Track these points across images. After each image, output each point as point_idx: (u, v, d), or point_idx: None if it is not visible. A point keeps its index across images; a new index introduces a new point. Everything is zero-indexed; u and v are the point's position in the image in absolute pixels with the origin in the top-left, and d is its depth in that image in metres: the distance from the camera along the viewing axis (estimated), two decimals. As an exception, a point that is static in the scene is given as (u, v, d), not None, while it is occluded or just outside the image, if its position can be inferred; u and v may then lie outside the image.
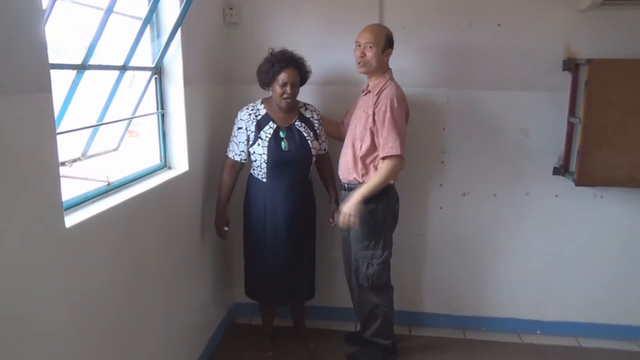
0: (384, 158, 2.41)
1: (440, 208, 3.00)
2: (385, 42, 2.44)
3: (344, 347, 2.88)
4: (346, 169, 2.55)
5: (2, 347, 1.24)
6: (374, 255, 2.54)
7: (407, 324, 3.07)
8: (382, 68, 2.49)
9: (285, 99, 2.47)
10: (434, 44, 2.79)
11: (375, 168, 2.48)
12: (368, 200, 2.44)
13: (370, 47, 2.42)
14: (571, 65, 2.70)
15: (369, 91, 2.52)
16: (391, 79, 2.50)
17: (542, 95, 2.79)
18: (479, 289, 3.08)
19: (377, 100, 2.43)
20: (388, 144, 2.38)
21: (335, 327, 3.09)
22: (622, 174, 2.63)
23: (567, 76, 2.74)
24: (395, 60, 2.55)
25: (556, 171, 2.85)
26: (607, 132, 2.59)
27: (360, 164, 2.49)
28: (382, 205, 2.51)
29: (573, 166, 2.74)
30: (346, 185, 2.59)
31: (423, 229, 2.92)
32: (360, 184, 2.48)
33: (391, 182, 2.51)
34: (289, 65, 2.45)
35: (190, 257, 2.52)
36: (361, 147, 2.48)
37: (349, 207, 2.42)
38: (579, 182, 2.67)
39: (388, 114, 2.37)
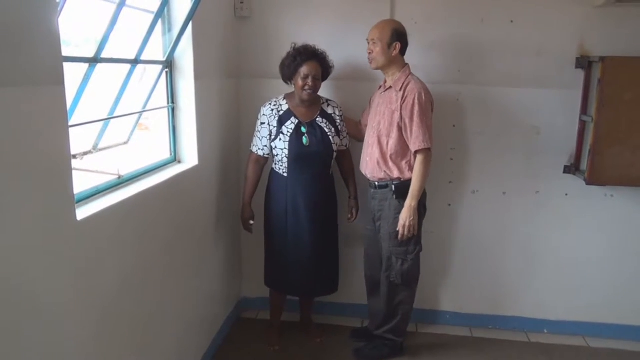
0: (416, 152, 2.44)
1: (449, 205, 2.99)
2: (392, 36, 2.43)
3: (351, 343, 2.89)
4: (374, 167, 2.54)
5: (14, 338, 1.25)
6: (407, 251, 2.55)
7: (414, 321, 3.05)
8: (395, 63, 2.49)
9: (306, 90, 2.48)
10: (445, 39, 2.78)
11: (408, 164, 2.49)
12: (402, 196, 2.48)
13: (375, 43, 2.45)
14: (584, 62, 2.67)
15: (390, 87, 2.51)
16: (411, 73, 2.51)
17: (554, 93, 2.77)
18: (486, 287, 3.07)
19: (403, 95, 2.43)
20: (419, 138, 2.41)
21: (341, 322, 3.09)
22: (634, 173, 2.61)
23: (580, 74, 2.71)
24: (406, 56, 2.53)
25: (567, 170, 2.83)
26: (620, 130, 2.57)
27: (391, 162, 2.50)
28: None
29: (584, 165, 2.72)
30: (376, 184, 2.57)
31: (431, 226, 2.90)
32: (392, 180, 2.50)
33: None
34: (310, 58, 2.48)
35: (199, 251, 2.53)
36: (388, 143, 2.49)
37: (406, 215, 2.45)
38: (590, 181, 2.64)
39: (417, 108, 2.40)
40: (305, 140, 2.54)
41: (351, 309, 3.13)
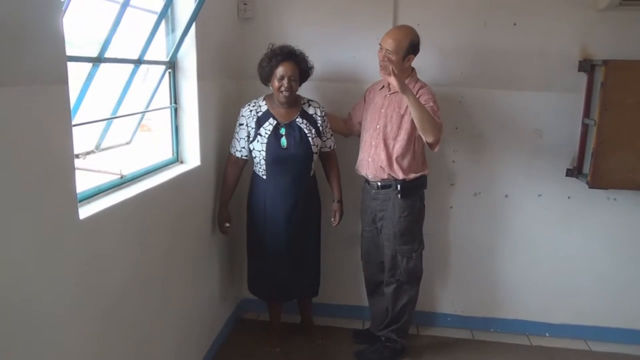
0: None
1: (451, 208, 2.98)
2: (408, 49, 2.41)
3: (352, 345, 2.88)
4: (377, 169, 2.54)
5: (16, 339, 1.25)
6: (412, 249, 2.58)
7: (415, 324, 3.05)
8: (405, 72, 2.47)
9: (282, 92, 2.45)
10: (448, 42, 2.78)
11: (411, 167, 2.51)
12: (407, 195, 2.50)
13: (390, 54, 2.40)
14: (587, 66, 2.67)
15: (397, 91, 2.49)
16: (419, 79, 2.52)
17: (556, 96, 2.77)
18: (488, 290, 3.06)
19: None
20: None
21: (342, 324, 3.09)
22: (637, 176, 2.60)
23: (583, 77, 2.71)
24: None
25: (569, 173, 2.82)
26: (623, 134, 2.56)
27: (396, 164, 2.50)
28: (419, 198, 2.59)
29: (587, 168, 2.71)
30: (378, 184, 2.57)
31: (433, 228, 2.90)
32: (396, 180, 2.51)
33: (426, 172, 2.59)
34: (286, 59, 2.44)
35: (200, 252, 2.53)
36: (394, 146, 2.50)
37: (401, 85, 2.26)
38: (593, 185, 2.64)
39: (431, 103, 2.41)
40: (283, 142, 2.50)
41: (351, 311, 3.13)
